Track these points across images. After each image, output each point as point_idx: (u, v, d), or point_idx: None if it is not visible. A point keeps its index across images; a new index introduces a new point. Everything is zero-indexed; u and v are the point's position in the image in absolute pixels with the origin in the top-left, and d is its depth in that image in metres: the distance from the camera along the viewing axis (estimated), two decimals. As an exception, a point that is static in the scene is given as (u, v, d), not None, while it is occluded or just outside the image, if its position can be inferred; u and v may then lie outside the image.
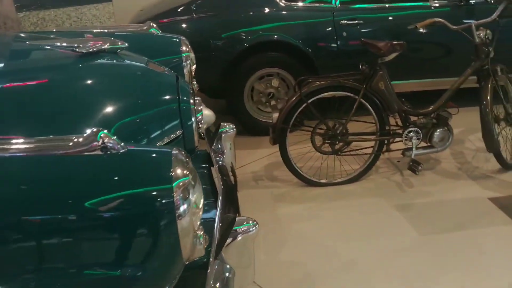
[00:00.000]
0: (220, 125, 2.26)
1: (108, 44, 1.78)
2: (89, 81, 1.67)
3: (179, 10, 3.97)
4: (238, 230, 1.59)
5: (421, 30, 3.37)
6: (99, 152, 1.12)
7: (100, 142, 1.12)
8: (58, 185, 1.08)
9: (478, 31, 3.15)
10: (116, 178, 1.12)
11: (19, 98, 1.52)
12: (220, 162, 2.08)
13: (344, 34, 3.88)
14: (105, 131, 1.15)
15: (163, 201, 1.10)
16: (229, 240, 1.55)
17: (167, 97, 1.71)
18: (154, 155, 1.23)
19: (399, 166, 3.47)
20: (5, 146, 1.13)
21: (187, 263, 1.20)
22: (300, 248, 2.63)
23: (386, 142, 3.21)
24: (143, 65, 1.87)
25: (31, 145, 1.16)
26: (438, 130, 3.17)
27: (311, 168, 3.29)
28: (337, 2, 3.93)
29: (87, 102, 1.56)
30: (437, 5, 3.98)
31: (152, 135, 1.59)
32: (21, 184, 1.08)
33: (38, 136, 1.30)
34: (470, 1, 3.94)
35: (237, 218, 1.61)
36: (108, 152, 1.12)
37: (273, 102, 4.06)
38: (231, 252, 1.55)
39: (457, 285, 2.28)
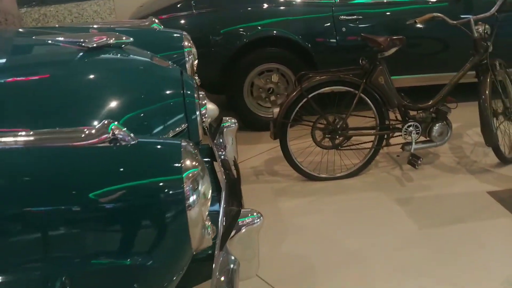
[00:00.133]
0: (222, 119, 2.27)
1: (113, 39, 1.79)
2: (95, 76, 1.69)
3: (178, 6, 3.97)
4: (242, 222, 1.60)
5: (419, 25, 3.38)
6: (110, 144, 1.14)
7: (110, 134, 1.14)
8: (71, 176, 1.10)
9: (476, 25, 3.16)
10: (127, 169, 1.14)
11: (27, 92, 1.54)
12: (222, 157, 2.10)
13: (343, 29, 3.90)
14: (116, 123, 1.17)
15: (173, 191, 1.12)
16: (233, 232, 1.57)
17: (172, 91, 1.72)
18: (163, 146, 1.24)
19: (398, 160, 3.49)
20: (18, 139, 1.14)
21: (194, 253, 1.22)
22: (301, 241, 2.66)
23: (385, 136, 3.23)
24: (148, 59, 1.89)
25: (45, 136, 1.18)
26: (437, 125, 3.19)
27: (311, 162, 3.31)
28: (336, -2, 3.95)
29: (93, 96, 1.58)
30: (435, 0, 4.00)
31: (157, 129, 1.61)
32: (34, 176, 1.10)
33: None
34: (468, -4, 3.96)
35: (241, 210, 1.62)
36: (118, 144, 1.14)
37: (272, 98, 4.08)
38: (235, 244, 1.56)
39: (456, 278, 2.31)
